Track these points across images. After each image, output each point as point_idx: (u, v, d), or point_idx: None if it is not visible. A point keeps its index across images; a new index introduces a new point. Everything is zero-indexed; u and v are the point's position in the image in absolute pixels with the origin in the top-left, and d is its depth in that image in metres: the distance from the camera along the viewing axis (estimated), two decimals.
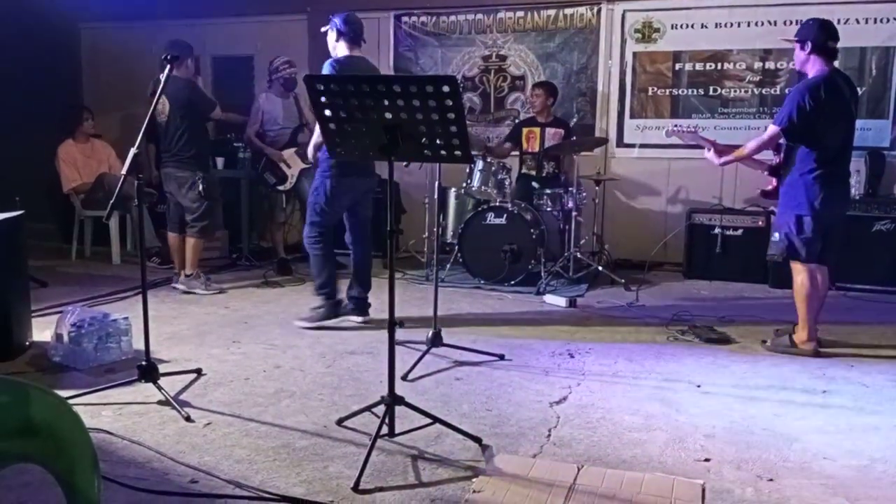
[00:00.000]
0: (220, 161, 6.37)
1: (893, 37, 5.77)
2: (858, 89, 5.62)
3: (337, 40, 4.26)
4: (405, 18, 6.94)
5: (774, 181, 4.00)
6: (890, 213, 5.41)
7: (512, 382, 3.39)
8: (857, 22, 5.78)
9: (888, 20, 5.75)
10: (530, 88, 6.43)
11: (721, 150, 4.11)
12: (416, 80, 2.55)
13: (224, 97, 6.25)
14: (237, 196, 6.38)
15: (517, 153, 6.26)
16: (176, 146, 5.14)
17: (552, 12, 6.55)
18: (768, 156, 4.13)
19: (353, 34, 4.23)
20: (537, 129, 6.15)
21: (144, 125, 3.12)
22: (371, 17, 6.99)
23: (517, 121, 6.53)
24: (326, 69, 4.12)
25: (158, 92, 3.27)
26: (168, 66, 3.23)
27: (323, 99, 2.65)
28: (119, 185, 3.06)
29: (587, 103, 6.57)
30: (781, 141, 3.88)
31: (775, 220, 4.04)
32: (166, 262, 6.01)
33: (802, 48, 3.81)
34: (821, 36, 3.77)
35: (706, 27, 6.18)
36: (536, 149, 6.15)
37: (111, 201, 3.11)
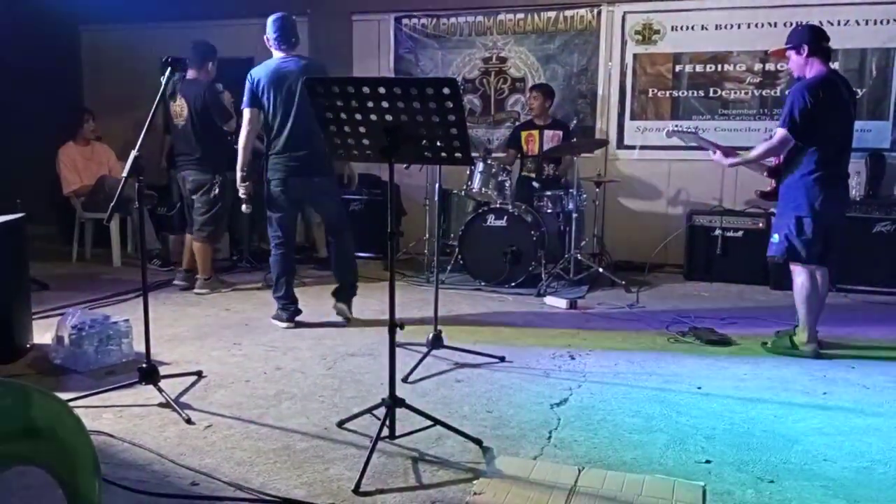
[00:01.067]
0: None
1: (894, 38, 5.76)
2: (858, 91, 5.64)
3: (268, 44, 4.26)
4: (405, 21, 6.94)
5: (773, 182, 4.00)
6: (890, 215, 5.40)
7: (513, 384, 3.39)
8: (858, 24, 5.77)
9: (888, 21, 5.74)
10: (527, 91, 6.43)
11: (725, 151, 4.10)
12: (417, 83, 2.57)
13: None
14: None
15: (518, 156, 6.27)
16: (196, 150, 5.13)
17: (552, 14, 6.56)
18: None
19: (280, 38, 4.21)
20: (536, 132, 6.16)
21: (145, 128, 3.10)
22: (371, 19, 7.02)
23: (517, 124, 6.53)
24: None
25: (160, 95, 3.23)
26: (169, 69, 3.21)
27: (323, 101, 2.65)
28: (120, 188, 3.05)
29: (587, 105, 6.57)
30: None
31: (774, 222, 4.03)
32: (167, 264, 6.02)
33: (799, 52, 3.80)
34: (814, 37, 3.78)
35: (706, 29, 6.19)
36: (536, 151, 6.15)
37: (112, 204, 3.11)
